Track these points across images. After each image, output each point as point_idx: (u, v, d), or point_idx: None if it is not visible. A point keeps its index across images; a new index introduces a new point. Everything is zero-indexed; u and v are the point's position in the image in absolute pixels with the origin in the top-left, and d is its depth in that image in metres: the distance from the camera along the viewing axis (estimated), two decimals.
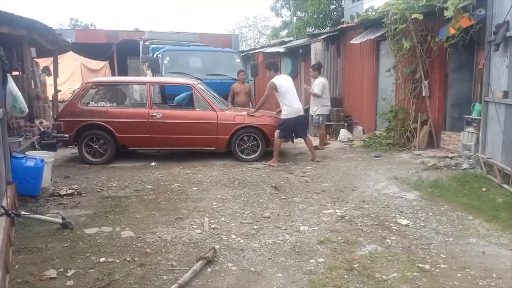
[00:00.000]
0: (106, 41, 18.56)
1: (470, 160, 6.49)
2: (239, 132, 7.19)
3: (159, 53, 9.65)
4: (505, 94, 5.44)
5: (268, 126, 7.27)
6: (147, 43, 11.94)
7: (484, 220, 4.26)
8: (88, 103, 7.30)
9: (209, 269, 3.28)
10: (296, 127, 7.09)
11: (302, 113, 7.20)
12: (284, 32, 24.01)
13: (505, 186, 5.20)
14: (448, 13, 6.38)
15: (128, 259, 3.43)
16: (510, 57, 5.35)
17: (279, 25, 25.36)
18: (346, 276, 3.13)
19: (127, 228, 4.10)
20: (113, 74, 18.88)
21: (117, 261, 3.39)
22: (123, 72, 19.30)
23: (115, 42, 18.68)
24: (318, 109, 8.56)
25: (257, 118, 7.35)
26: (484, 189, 5.25)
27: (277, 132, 7.03)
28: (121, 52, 18.68)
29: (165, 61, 9.23)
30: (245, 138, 7.24)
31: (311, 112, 8.88)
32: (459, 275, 3.17)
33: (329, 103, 8.79)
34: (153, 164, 6.97)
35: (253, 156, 7.25)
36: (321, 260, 3.42)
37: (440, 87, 7.75)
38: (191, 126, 7.15)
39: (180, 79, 8.33)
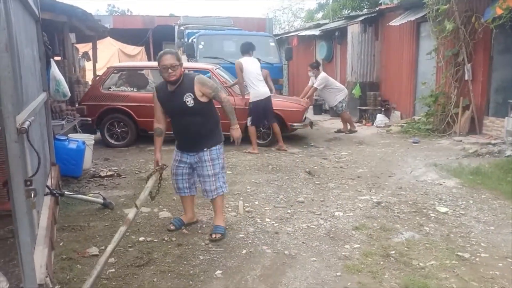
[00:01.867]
0: (143, 27, 18.84)
1: None
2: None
3: (194, 38, 9.70)
4: None
5: (285, 111, 7.14)
6: (182, 28, 12.03)
7: None
8: (110, 88, 7.47)
9: (244, 251, 3.33)
10: (265, 111, 6.78)
11: (268, 94, 6.87)
12: (319, 15, 23.50)
13: None
14: None
15: (166, 238, 3.53)
16: None
17: (314, 7, 24.86)
18: (382, 263, 3.09)
19: (165, 209, 4.21)
20: (149, 59, 19.21)
21: (156, 240, 3.50)
22: None
23: (151, 27, 18.94)
24: (337, 98, 8.47)
25: (274, 102, 7.04)
26: None
27: (249, 120, 6.76)
28: (157, 37, 18.92)
29: (200, 46, 9.28)
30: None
31: (332, 106, 8.83)
32: (500, 264, 3.06)
33: (341, 86, 8.74)
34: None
35: (262, 142, 7.12)
36: (356, 246, 3.39)
37: (484, 70, 7.40)
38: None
39: (198, 64, 8.25)
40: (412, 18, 8.35)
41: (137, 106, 7.14)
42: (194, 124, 3.50)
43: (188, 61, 9.77)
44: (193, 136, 3.55)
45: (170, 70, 3.33)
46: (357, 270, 2.99)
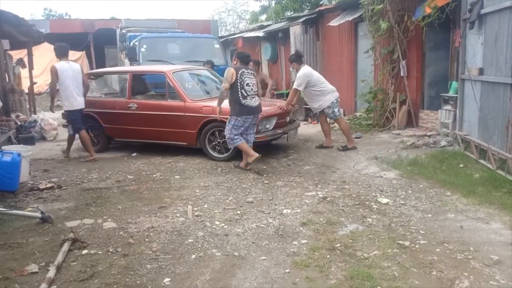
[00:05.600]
0: (82, 31, 18.14)
1: (447, 138, 6.63)
2: (208, 126, 6.23)
3: (135, 41, 9.47)
4: (481, 71, 5.53)
5: None
6: (123, 31, 11.69)
7: (462, 195, 4.37)
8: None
9: (193, 256, 3.29)
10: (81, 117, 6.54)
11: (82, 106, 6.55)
12: (263, 17, 23.80)
13: (482, 161, 5.33)
14: None
15: (111, 250, 3.41)
16: (485, 34, 5.43)
17: (258, 9, 25.13)
18: (328, 256, 3.19)
19: (109, 219, 4.07)
20: (90, 64, 18.50)
21: (100, 252, 3.37)
22: (100, 62, 18.91)
23: (91, 31, 18.27)
24: (323, 102, 6.76)
25: (224, 109, 5.90)
26: (461, 165, 5.38)
27: (69, 129, 6.54)
28: (98, 41, 18.29)
29: (142, 49, 9.08)
30: (216, 133, 6.19)
31: (322, 109, 6.87)
32: (438, 250, 3.26)
33: (329, 87, 6.82)
34: (134, 154, 6.91)
35: (225, 154, 6.21)
36: (303, 241, 3.46)
37: (418, 66, 7.83)
38: (162, 118, 6.56)
39: (156, 67, 7.90)
40: (350, 18, 8.68)
41: (103, 112, 6.97)
42: None
43: (130, 65, 9.53)
44: None
45: None
46: (305, 266, 3.05)
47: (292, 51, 10.91)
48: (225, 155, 6.21)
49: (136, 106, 6.75)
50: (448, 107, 6.85)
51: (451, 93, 6.82)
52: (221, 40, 12.16)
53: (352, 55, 9.41)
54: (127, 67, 7.16)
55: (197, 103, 6.41)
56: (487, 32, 5.36)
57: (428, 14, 6.68)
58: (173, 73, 6.69)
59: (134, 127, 6.78)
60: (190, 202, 4.51)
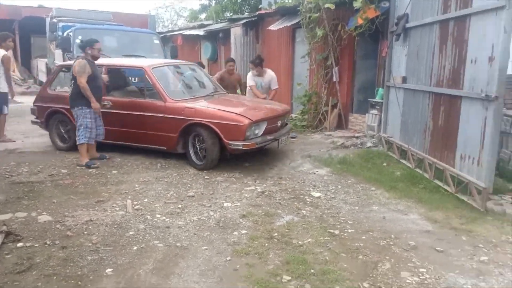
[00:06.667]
0: (7, 17, 16.82)
1: (373, 139, 7.18)
2: (190, 130, 5.60)
3: (70, 32, 9.07)
4: (404, 80, 6.11)
5: (220, 124, 5.36)
6: (54, 20, 11.10)
7: (385, 190, 4.82)
8: (56, 88, 6.76)
9: (135, 247, 3.34)
10: None
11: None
12: (203, 16, 23.75)
13: (403, 161, 5.89)
14: (356, 4, 6.92)
15: (48, 242, 3.34)
16: (408, 46, 6.01)
17: (197, 8, 25.00)
18: (266, 244, 3.40)
19: (44, 213, 3.95)
20: (14, 54, 17.23)
21: (37, 245, 3.30)
22: (26, 51, 17.70)
23: (17, 18, 17.02)
24: None
25: (208, 111, 5.53)
26: (385, 164, 5.90)
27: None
28: (24, 29, 17.08)
29: (77, 40, 8.70)
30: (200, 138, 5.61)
31: None
32: (363, 237, 3.61)
33: None
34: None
35: (200, 162, 5.62)
36: (243, 232, 3.65)
37: (349, 73, 8.38)
38: (139, 118, 5.91)
39: (135, 61, 7.07)
40: (288, 24, 9.04)
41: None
42: None
43: (63, 56, 9.11)
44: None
45: None
46: (245, 253, 3.24)
47: (233, 52, 11.14)
48: (202, 162, 5.58)
49: (111, 104, 6.09)
50: (375, 111, 7.43)
51: (377, 99, 7.41)
52: (159, 36, 12.01)
53: (290, 59, 9.80)
54: (103, 59, 6.45)
55: (178, 103, 5.71)
56: (410, 45, 5.95)
57: (360, 25, 7.19)
58: (152, 68, 6.02)
59: (108, 127, 6.00)
60: (130, 197, 4.50)
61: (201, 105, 5.70)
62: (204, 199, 4.48)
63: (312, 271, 2.99)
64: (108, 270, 3.00)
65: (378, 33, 7.56)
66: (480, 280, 2.93)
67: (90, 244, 3.37)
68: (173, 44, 12.91)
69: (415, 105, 5.73)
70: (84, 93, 5.50)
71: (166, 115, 5.69)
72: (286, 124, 6.54)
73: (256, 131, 5.52)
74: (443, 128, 4.97)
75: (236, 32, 10.99)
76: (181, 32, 14.90)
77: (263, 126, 5.60)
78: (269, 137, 5.65)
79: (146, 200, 4.43)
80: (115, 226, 3.73)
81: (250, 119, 5.34)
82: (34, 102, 6.85)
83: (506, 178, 4.76)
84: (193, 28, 14.70)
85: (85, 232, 3.58)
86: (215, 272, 2.99)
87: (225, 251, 3.30)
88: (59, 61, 9.86)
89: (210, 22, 14.52)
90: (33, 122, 6.93)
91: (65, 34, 9.43)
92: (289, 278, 2.90)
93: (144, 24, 19.04)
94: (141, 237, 3.53)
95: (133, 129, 6.00)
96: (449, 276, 2.98)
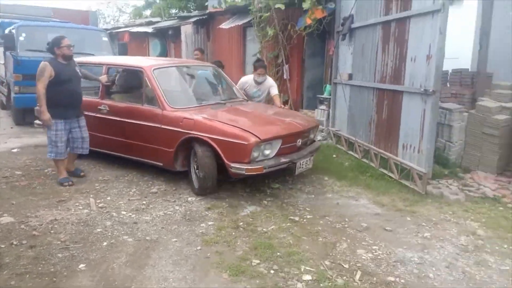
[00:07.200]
0: None
1: (322, 133, 7.61)
2: (191, 145, 4.62)
3: (12, 28, 8.65)
4: (350, 77, 6.55)
5: (220, 140, 4.32)
6: None
7: (336, 179, 5.21)
8: None
9: (105, 243, 3.41)
10: None
11: None
12: (147, 12, 23.31)
13: (350, 152, 6.34)
14: (305, 5, 7.29)
15: (15, 243, 3.33)
16: (354, 45, 6.45)
17: (142, 4, 24.47)
18: (233, 233, 3.62)
19: (5, 214, 3.89)
20: None
21: (3, 246, 3.28)
22: None
23: None
24: None
25: (208, 124, 4.48)
26: (334, 155, 6.31)
27: None
28: None
29: (21, 38, 8.34)
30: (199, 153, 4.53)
31: None
32: (321, 222, 3.94)
33: None
34: (15, 150, 6.42)
35: (183, 169, 4.89)
36: (210, 223, 3.83)
37: (298, 71, 8.77)
38: (133, 127, 5.08)
39: (135, 60, 6.02)
40: (239, 23, 9.26)
41: None
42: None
43: (5, 53, 8.68)
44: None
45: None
46: (214, 242, 3.44)
47: (184, 49, 11.16)
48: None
49: (107, 109, 5.38)
50: (323, 107, 7.86)
51: (325, 95, 7.84)
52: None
53: (241, 57, 10.03)
54: (103, 57, 5.59)
55: (177, 112, 4.73)
56: (356, 44, 6.39)
57: (308, 25, 7.57)
58: (153, 69, 5.08)
59: (102, 135, 5.41)
60: (91, 195, 4.51)
61: (204, 116, 4.62)
62: (168, 194, 4.60)
63: (278, 254, 3.25)
64: (81, 265, 3.06)
65: (325, 33, 7.99)
66: (424, 253, 3.35)
67: (59, 242, 3.39)
68: (121, 42, 12.65)
69: (361, 100, 6.18)
70: (37, 100, 4.65)
71: (162, 126, 4.77)
72: (314, 141, 5.34)
73: (267, 152, 4.38)
74: (387, 120, 5.44)
75: (187, 30, 11.03)
76: (128, 29, 14.61)
77: (277, 146, 4.44)
78: (283, 159, 4.47)
79: (109, 198, 4.46)
80: (82, 224, 3.76)
81: (258, 137, 4.20)
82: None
83: (442, 164, 5.32)
84: (141, 25, 14.47)
85: (52, 231, 3.59)
86: (188, 261, 3.16)
87: (195, 241, 3.47)
88: (1, 61, 9.40)
89: (158, 19, 14.39)
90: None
91: (6, 31, 8.98)
92: (258, 261, 3.14)
93: (85, 20, 18.36)
94: (109, 233, 3.60)
95: (128, 139, 5.19)
96: (398, 251, 3.37)
